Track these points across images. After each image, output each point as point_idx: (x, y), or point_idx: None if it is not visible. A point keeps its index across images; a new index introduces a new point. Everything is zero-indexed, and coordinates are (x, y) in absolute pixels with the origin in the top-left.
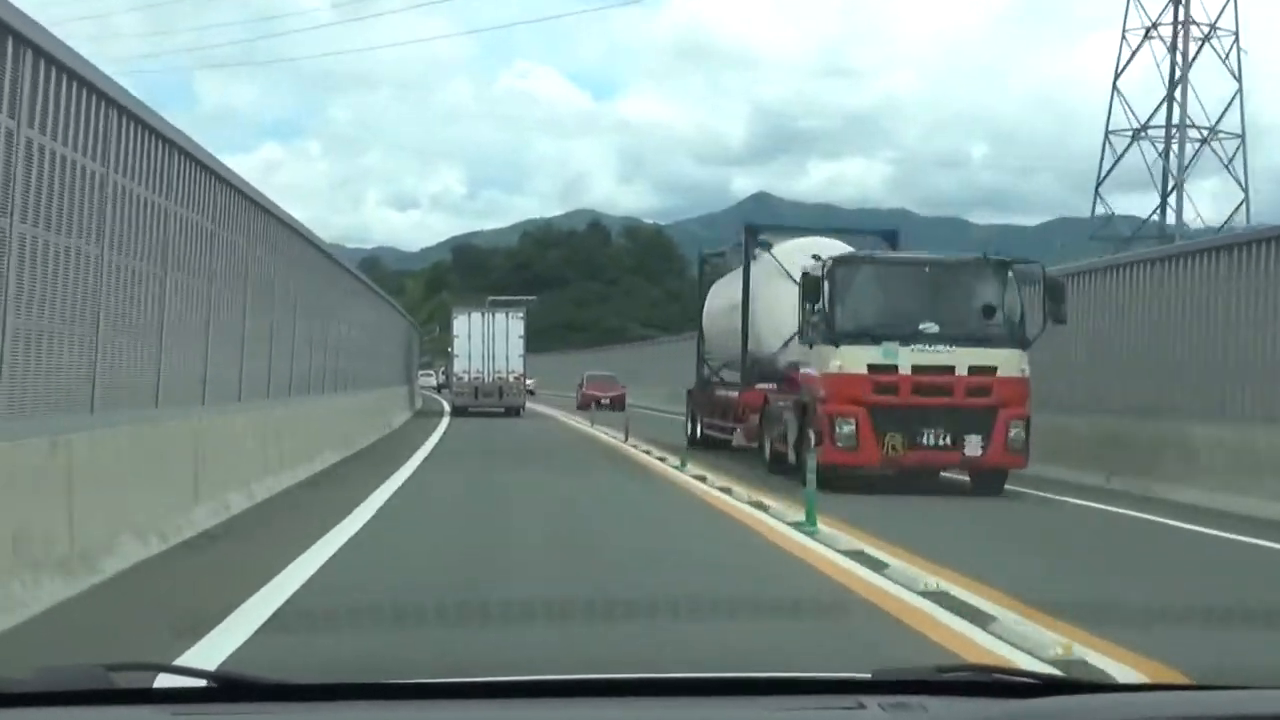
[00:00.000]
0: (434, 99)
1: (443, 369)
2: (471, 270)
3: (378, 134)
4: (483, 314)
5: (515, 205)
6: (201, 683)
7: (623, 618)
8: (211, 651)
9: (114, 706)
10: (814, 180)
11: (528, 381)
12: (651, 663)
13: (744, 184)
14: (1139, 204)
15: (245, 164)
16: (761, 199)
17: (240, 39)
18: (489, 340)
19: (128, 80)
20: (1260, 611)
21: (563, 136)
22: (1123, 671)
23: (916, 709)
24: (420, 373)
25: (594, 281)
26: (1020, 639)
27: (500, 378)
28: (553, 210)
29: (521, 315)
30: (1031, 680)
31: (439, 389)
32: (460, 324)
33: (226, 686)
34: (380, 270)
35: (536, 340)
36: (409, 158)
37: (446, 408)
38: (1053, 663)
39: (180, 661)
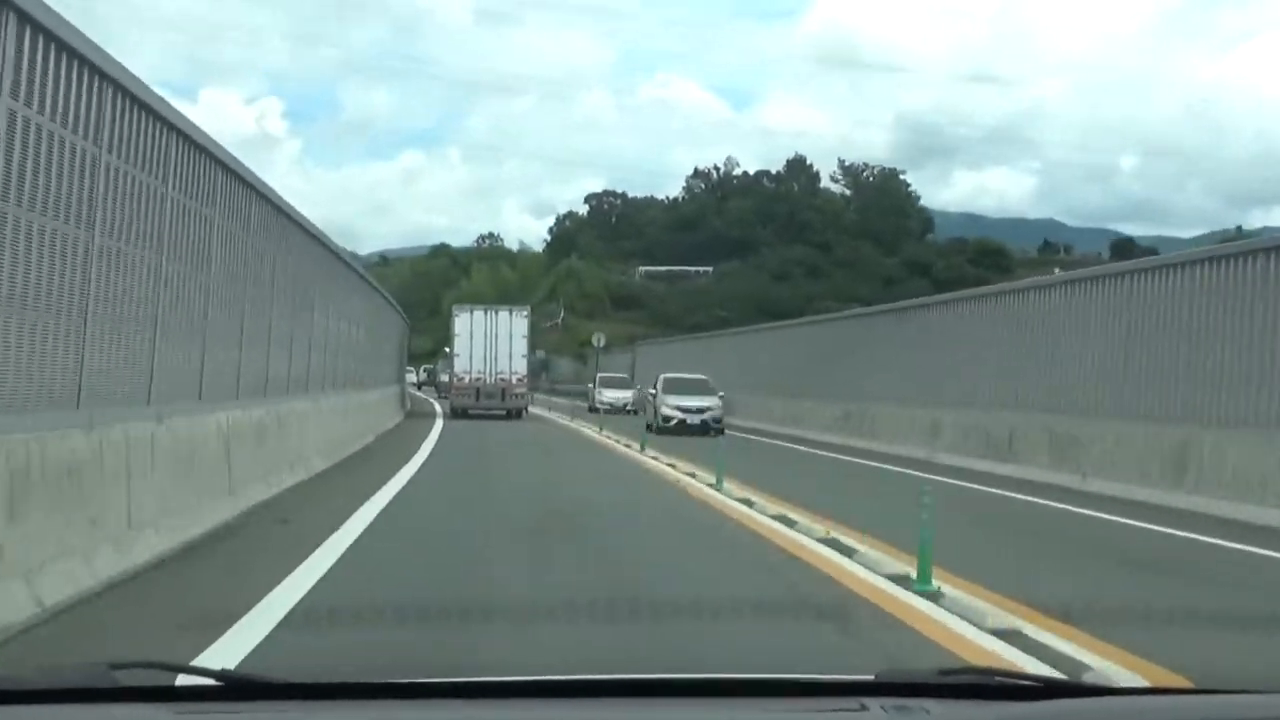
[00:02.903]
0: (574, 108)
1: (425, 366)
2: (614, 229)
3: (517, 142)
4: (485, 312)
5: None
6: (206, 681)
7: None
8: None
9: (118, 705)
10: (959, 190)
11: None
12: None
13: None
14: None
15: (387, 172)
16: None
17: (384, 48)
18: (491, 340)
19: (274, 86)
20: None
21: (703, 145)
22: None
23: (918, 711)
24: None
25: (799, 245)
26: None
27: (503, 379)
28: None
29: (526, 314)
30: (1033, 683)
31: (420, 386)
32: (461, 322)
33: (230, 685)
34: (496, 246)
35: (702, 327)
36: (548, 166)
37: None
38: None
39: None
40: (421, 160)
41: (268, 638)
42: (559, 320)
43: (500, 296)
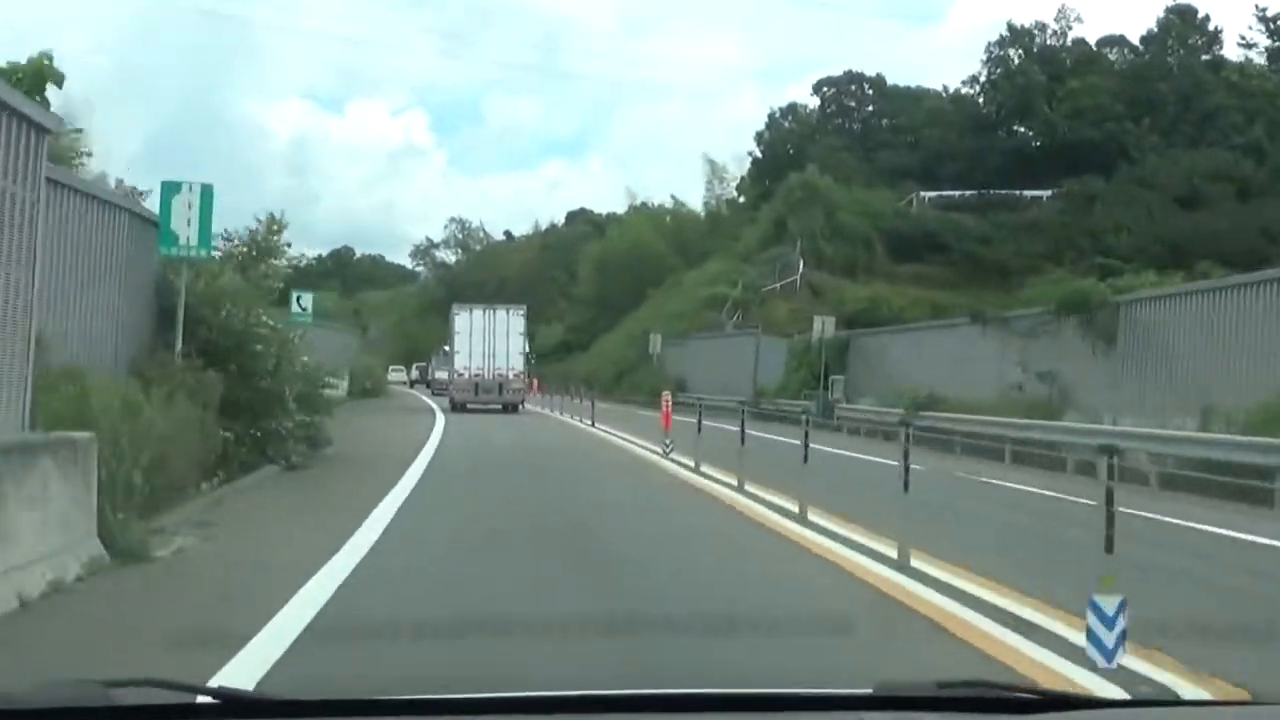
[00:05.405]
0: (718, 113)
1: (416, 365)
2: (863, 135)
3: (659, 148)
4: (484, 311)
5: None
6: (202, 698)
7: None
8: None
9: None
10: None
11: None
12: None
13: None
14: None
15: (532, 181)
16: None
17: (529, 57)
18: (489, 337)
19: (420, 95)
20: None
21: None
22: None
23: None
24: (391, 367)
25: (1208, 149)
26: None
27: (500, 374)
28: None
29: (523, 313)
30: (1032, 696)
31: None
32: (461, 320)
33: (228, 703)
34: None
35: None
36: (692, 172)
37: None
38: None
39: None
40: (564, 168)
41: None
42: (797, 277)
43: (678, 251)
